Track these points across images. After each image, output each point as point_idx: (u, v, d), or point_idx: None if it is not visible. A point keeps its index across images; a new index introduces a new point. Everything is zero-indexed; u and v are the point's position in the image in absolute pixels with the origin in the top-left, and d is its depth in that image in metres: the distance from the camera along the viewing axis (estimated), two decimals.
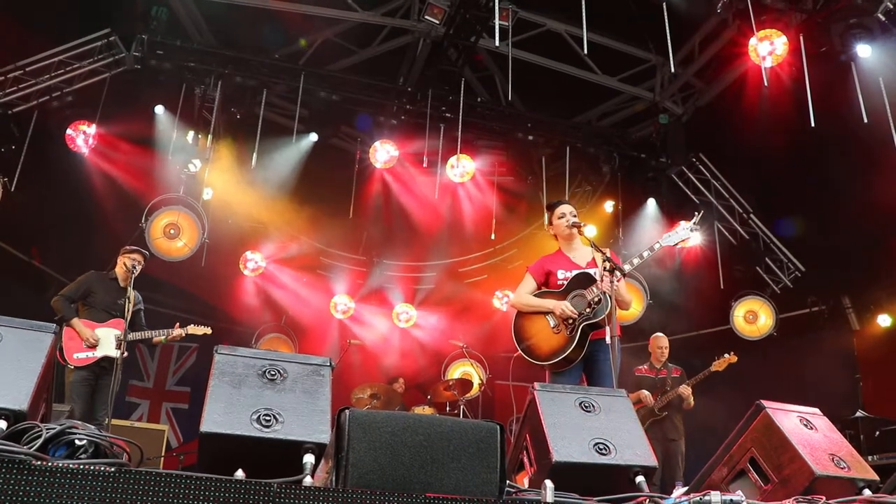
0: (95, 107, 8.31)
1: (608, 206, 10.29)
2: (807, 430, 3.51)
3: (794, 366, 9.05)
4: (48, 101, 8.14)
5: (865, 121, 6.77)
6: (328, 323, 11.38)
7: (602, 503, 2.79)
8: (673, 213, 9.59)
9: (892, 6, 6.71)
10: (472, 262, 12.08)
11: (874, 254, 8.27)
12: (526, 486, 3.07)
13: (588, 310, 4.47)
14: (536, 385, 3.35)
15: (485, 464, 2.49)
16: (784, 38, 7.17)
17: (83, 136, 8.38)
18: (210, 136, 8.54)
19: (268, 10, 8.61)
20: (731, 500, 2.66)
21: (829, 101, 6.87)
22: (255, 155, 8.57)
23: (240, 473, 2.41)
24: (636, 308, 9.29)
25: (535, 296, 4.74)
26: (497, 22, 7.17)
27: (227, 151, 9.01)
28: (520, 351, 4.62)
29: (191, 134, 8.70)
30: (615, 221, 10.05)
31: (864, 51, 7.05)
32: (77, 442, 2.42)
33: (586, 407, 3.29)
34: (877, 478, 3.41)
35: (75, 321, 5.99)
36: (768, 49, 7.22)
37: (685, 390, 7.30)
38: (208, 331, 6.62)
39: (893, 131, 6.76)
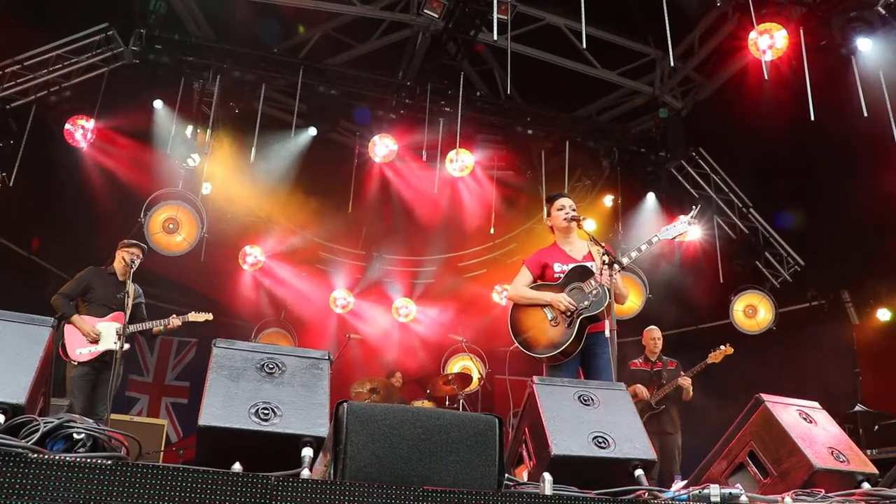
0: (94, 101, 8.30)
1: (608, 200, 10.28)
2: (806, 423, 3.52)
3: (793, 360, 9.08)
4: (46, 96, 8.12)
5: (866, 114, 6.74)
6: (327, 317, 11.39)
7: (601, 496, 2.79)
8: (672, 207, 9.57)
9: None
10: (472, 257, 12.08)
11: (873, 248, 8.28)
12: (525, 479, 3.08)
13: (587, 303, 4.47)
14: (535, 378, 3.36)
15: (483, 457, 2.49)
16: (784, 32, 7.14)
17: (82, 131, 8.36)
18: (209, 131, 8.52)
19: (266, 4, 8.59)
20: (731, 493, 2.67)
21: (829, 95, 6.84)
22: (253, 149, 8.57)
23: (237, 466, 2.41)
24: (635, 302, 9.30)
25: (532, 288, 4.74)
26: (496, 16, 7.15)
27: (226, 146, 8.98)
28: (516, 343, 4.61)
29: (189, 128, 8.67)
30: (615, 215, 10.03)
31: (865, 44, 7.02)
32: (75, 436, 2.42)
33: (585, 400, 3.29)
34: (876, 471, 3.41)
35: (75, 318, 6.00)
36: (768, 43, 7.19)
37: (685, 381, 7.26)
38: (209, 317, 6.62)
39: (893, 125, 6.75)
